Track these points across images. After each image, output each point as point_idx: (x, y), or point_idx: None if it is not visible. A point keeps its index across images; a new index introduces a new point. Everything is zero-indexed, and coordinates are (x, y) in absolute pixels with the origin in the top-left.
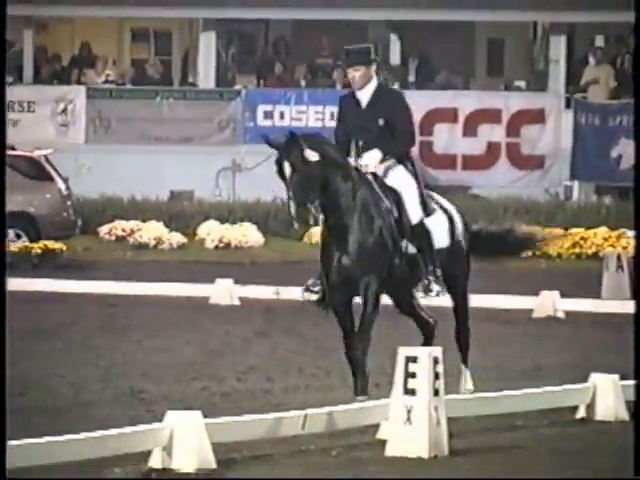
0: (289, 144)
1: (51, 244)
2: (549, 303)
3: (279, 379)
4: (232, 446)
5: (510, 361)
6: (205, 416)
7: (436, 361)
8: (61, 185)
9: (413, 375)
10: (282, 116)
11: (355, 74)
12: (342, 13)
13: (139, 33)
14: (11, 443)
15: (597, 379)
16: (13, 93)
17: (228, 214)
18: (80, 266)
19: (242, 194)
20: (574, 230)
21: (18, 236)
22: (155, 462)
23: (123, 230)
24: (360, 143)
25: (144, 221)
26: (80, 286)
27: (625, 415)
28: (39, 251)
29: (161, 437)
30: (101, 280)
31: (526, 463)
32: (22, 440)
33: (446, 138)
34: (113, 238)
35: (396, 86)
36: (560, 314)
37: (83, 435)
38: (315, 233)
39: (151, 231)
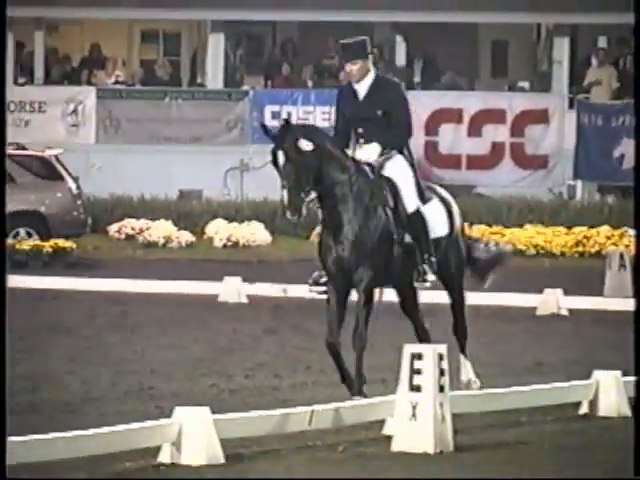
0: (283, 133)
1: (62, 243)
2: (552, 301)
3: (287, 376)
4: (240, 442)
5: (514, 358)
6: (213, 412)
7: (441, 358)
8: (71, 184)
9: (418, 372)
10: (289, 116)
11: (353, 67)
12: (348, 15)
13: (148, 34)
14: (23, 439)
15: (600, 376)
16: (24, 94)
17: (236, 213)
18: (90, 264)
19: (250, 193)
20: (577, 229)
21: (29, 235)
22: (164, 457)
23: (132, 229)
24: (359, 131)
25: (153, 220)
26: (90, 284)
27: (627, 411)
28: (50, 249)
29: (170, 433)
30: (111, 278)
31: (530, 458)
32: (34, 436)
33: (451, 138)
34: (123, 237)
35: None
36: (563, 312)
37: (94, 430)
38: None
39: (160, 230)
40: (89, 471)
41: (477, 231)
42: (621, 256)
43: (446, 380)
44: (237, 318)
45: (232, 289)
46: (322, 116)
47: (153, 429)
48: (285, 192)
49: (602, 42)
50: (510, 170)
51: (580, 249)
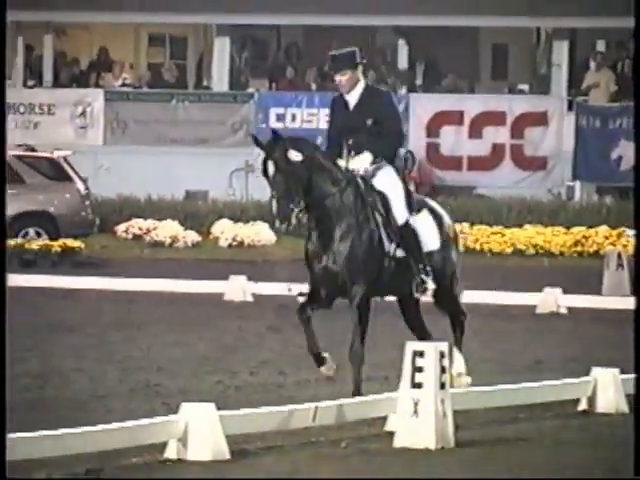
0: (273, 143)
1: (70, 242)
2: (552, 299)
3: (291, 373)
4: (245, 437)
5: (514, 355)
6: (219, 409)
7: (442, 355)
8: (80, 185)
9: (420, 369)
10: (294, 118)
11: (342, 78)
12: (351, 19)
13: (155, 38)
14: (31, 435)
15: (598, 373)
16: (33, 96)
17: (241, 213)
18: (98, 263)
19: (255, 194)
20: (576, 229)
21: (38, 234)
22: (171, 453)
23: (140, 229)
24: (349, 143)
25: (160, 220)
26: (98, 283)
27: (625, 407)
28: (59, 249)
29: (176, 429)
30: (118, 277)
31: (530, 454)
32: (42, 432)
33: (452, 140)
34: (130, 236)
35: (404, 90)
36: (562, 310)
37: (101, 427)
38: None
39: (167, 230)
40: (97, 466)
41: (478, 231)
42: (619, 256)
43: (447, 377)
44: (242, 316)
45: (237, 288)
46: (325, 118)
47: (160, 425)
48: (274, 202)
49: (600, 46)
50: (510, 171)
51: (579, 249)
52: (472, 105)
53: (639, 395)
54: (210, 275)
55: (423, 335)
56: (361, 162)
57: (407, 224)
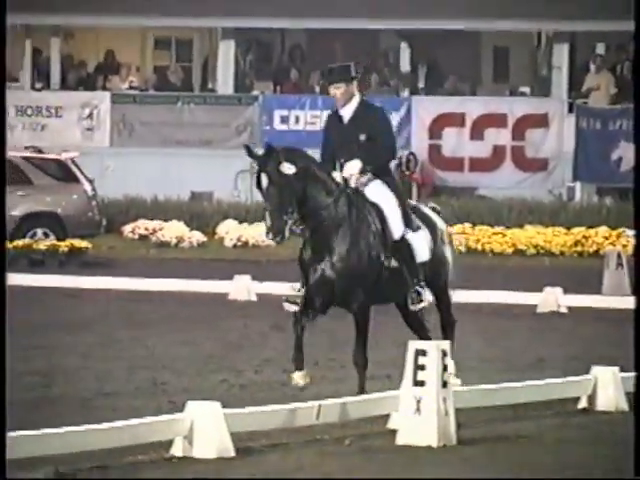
0: (266, 156)
1: (77, 242)
2: (552, 299)
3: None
4: (250, 435)
5: (515, 354)
6: (224, 407)
7: (444, 354)
8: (87, 186)
9: (422, 367)
10: (297, 120)
11: (336, 92)
12: (355, 23)
13: (161, 41)
14: (38, 432)
15: (598, 371)
16: (41, 99)
17: (246, 214)
18: (105, 263)
19: (259, 195)
20: (576, 229)
21: (46, 235)
22: (176, 450)
23: (146, 229)
24: (342, 161)
25: (166, 220)
26: (105, 282)
27: (625, 405)
28: (66, 249)
29: (182, 427)
30: (125, 277)
31: (530, 452)
32: (50, 429)
33: (454, 141)
34: (136, 237)
35: (406, 92)
36: (563, 309)
37: (108, 424)
38: None
39: (173, 230)
40: (103, 464)
41: (479, 231)
42: (618, 256)
43: (449, 376)
44: (246, 315)
45: (242, 287)
46: None
47: (165, 423)
48: (268, 215)
49: (600, 49)
50: (511, 172)
51: (579, 249)
52: (474, 107)
53: (639, 394)
54: (215, 275)
55: (423, 334)
56: (351, 168)
57: (402, 238)
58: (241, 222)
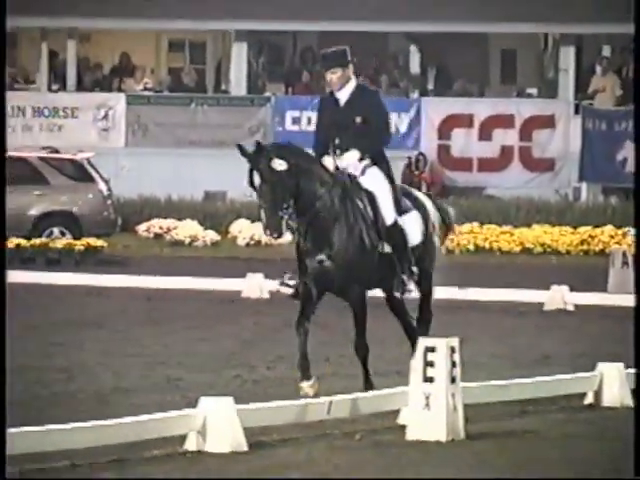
0: (257, 154)
1: (93, 241)
2: (559, 297)
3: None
4: (262, 430)
5: (522, 351)
6: (237, 402)
7: (453, 350)
8: (102, 186)
9: (431, 364)
10: (309, 122)
11: (332, 76)
12: (365, 25)
13: (175, 44)
14: (58, 427)
15: (604, 368)
16: (57, 100)
17: (258, 213)
18: (120, 262)
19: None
20: (582, 228)
21: (62, 234)
22: (190, 445)
23: (160, 228)
24: (336, 142)
25: (180, 220)
26: (120, 280)
27: (630, 401)
28: (82, 248)
29: (196, 422)
30: (140, 275)
31: (537, 446)
32: (67, 424)
33: (462, 142)
34: (151, 236)
35: (416, 94)
36: (569, 307)
37: (124, 419)
38: None
39: (186, 229)
40: (119, 457)
41: (487, 230)
42: (624, 254)
43: (457, 371)
44: (259, 313)
45: (255, 285)
46: None
47: (180, 418)
48: (262, 212)
49: (606, 51)
50: (519, 172)
51: (585, 248)
52: (482, 108)
53: (639, 392)
54: (228, 273)
55: (405, 320)
56: (349, 159)
57: (395, 224)
58: (254, 221)
